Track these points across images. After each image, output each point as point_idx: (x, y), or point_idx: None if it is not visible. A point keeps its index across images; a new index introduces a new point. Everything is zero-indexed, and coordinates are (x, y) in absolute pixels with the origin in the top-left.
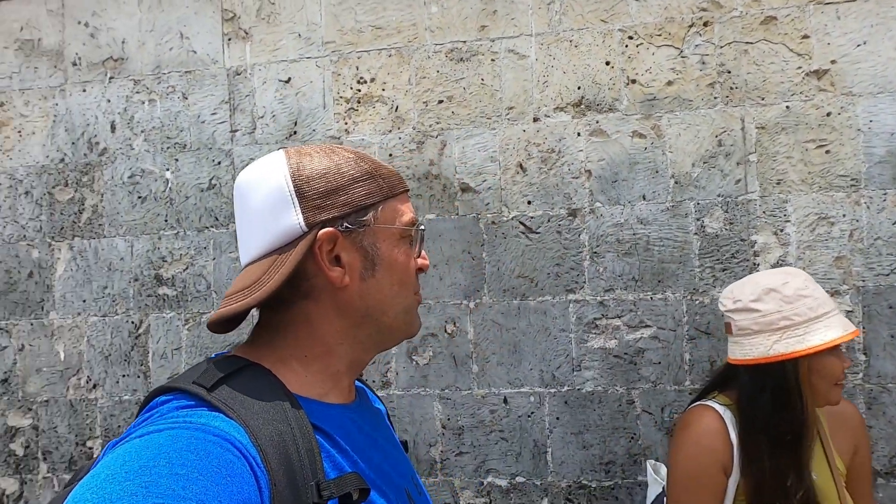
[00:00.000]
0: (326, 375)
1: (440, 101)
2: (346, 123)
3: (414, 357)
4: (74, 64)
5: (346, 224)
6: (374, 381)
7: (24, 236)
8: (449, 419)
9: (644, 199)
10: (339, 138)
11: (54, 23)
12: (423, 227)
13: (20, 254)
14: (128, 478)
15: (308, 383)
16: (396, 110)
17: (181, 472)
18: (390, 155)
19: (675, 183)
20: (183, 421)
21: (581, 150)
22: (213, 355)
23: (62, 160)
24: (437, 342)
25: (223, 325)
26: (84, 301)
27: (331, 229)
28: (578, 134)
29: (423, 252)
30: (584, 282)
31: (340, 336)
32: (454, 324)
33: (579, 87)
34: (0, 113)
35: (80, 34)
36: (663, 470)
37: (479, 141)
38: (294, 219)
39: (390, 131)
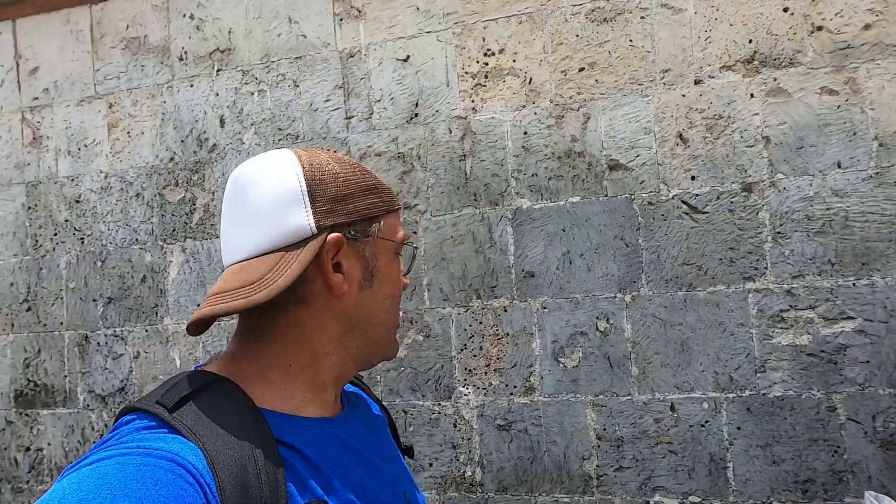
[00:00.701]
0: (310, 386)
1: (581, 69)
2: (472, 101)
3: (560, 359)
4: (181, 59)
5: (352, 231)
6: (515, 387)
7: (137, 240)
8: (605, 429)
9: (839, 166)
10: (465, 118)
11: (159, 18)
12: (415, 245)
13: (133, 258)
14: None
15: (285, 396)
16: (530, 83)
17: None
18: (525, 133)
19: (880, 146)
20: (136, 446)
21: (756, 114)
22: (193, 367)
23: (171, 159)
24: (588, 341)
25: (204, 325)
26: (198, 305)
27: (338, 234)
28: (752, 95)
29: (407, 273)
30: (766, 267)
31: (331, 345)
32: (607, 320)
33: (751, 41)
34: (109, 114)
35: (185, 27)
36: (888, 502)
37: (629, 111)
38: (304, 219)
39: (524, 106)
